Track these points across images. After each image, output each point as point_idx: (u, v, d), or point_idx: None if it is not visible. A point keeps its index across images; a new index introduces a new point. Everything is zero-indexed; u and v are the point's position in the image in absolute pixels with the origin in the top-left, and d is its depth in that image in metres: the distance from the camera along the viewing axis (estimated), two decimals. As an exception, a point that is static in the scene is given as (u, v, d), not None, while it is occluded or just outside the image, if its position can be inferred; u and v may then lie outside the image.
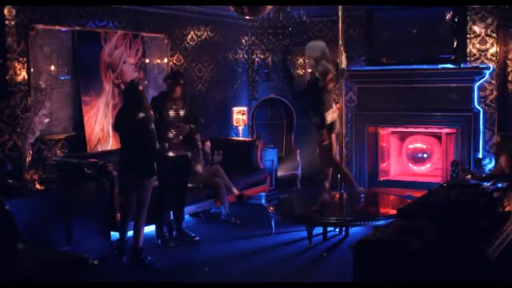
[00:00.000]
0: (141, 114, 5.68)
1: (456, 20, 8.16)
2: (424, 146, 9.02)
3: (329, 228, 6.72)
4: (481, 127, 8.23)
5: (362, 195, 7.02)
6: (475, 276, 3.04)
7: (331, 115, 6.31)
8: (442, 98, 8.27)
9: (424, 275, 3.11)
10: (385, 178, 9.02)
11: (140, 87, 5.83)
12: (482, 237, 3.28)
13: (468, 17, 8.18)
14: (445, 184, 4.73)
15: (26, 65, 6.31)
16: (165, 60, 8.14)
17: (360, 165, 8.92)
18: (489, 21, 8.05)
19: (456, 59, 8.18)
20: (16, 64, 6.16)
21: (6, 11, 5.90)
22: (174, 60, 8.30)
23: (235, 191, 7.41)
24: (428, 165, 9.00)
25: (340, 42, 6.78)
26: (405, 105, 8.50)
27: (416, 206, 3.96)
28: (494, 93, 8.12)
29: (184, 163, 6.49)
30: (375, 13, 8.67)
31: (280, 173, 8.88)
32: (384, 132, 9.04)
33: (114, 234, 6.02)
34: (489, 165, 8.06)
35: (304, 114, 7.99)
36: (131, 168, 5.76)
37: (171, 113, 6.32)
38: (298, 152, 9.22)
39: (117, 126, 6.03)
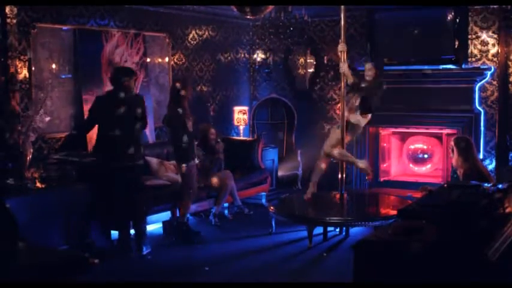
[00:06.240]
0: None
1: (457, 20, 8.15)
2: (425, 147, 9.02)
3: (329, 228, 6.73)
4: (482, 128, 8.22)
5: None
6: (476, 277, 3.03)
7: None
8: (443, 99, 8.25)
9: (424, 276, 3.11)
10: (385, 178, 9.01)
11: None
12: (483, 238, 3.27)
13: (470, 18, 8.17)
14: (445, 185, 4.72)
15: (27, 64, 6.32)
16: (166, 59, 8.14)
17: (360, 165, 8.91)
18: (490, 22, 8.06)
19: (457, 59, 8.17)
20: (17, 62, 6.15)
21: (7, 10, 5.89)
22: (175, 59, 8.30)
23: (239, 202, 7.47)
24: (429, 166, 9.00)
25: (341, 49, 6.79)
26: (406, 105, 8.48)
27: (417, 206, 3.95)
28: (495, 94, 8.11)
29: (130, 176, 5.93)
30: (376, 13, 8.66)
31: (280, 173, 8.89)
32: (384, 132, 9.03)
33: (114, 233, 6.02)
34: (490, 165, 8.05)
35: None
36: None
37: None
38: (298, 152, 9.22)
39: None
